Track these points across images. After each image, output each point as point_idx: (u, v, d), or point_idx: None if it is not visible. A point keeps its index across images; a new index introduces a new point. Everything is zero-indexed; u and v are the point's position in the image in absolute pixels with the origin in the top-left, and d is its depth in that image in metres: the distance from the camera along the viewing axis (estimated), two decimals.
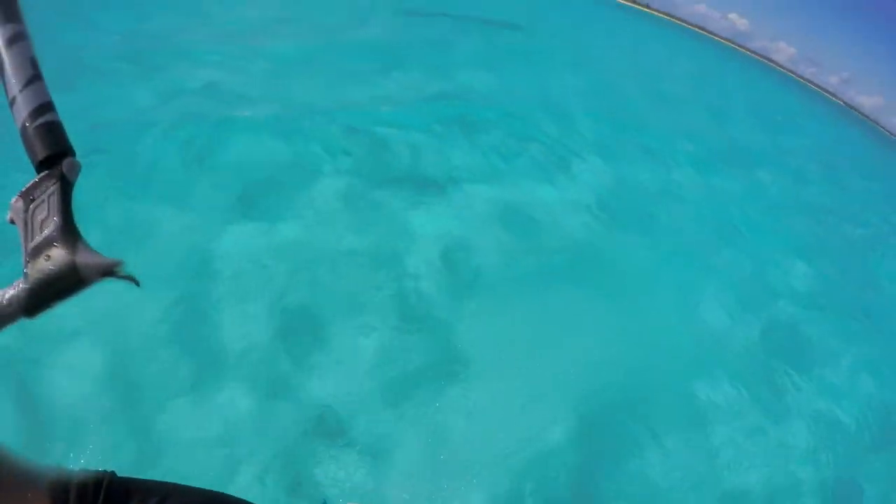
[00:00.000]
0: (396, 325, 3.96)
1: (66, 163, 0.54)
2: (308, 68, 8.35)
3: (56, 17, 7.43)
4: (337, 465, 2.99)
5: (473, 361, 3.79)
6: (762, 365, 4.93)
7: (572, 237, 5.80)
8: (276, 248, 4.32)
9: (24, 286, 0.50)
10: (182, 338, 3.43)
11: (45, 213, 0.52)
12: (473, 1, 20.05)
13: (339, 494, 2.86)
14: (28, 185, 0.54)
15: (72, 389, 2.96)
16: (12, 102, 0.55)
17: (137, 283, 0.51)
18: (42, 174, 0.54)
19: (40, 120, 0.54)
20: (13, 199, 0.54)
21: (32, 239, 0.52)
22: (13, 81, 0.55)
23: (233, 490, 2.30)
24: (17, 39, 0.56)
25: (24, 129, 0.54)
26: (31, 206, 0.53)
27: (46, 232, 0.51)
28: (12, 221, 0.54)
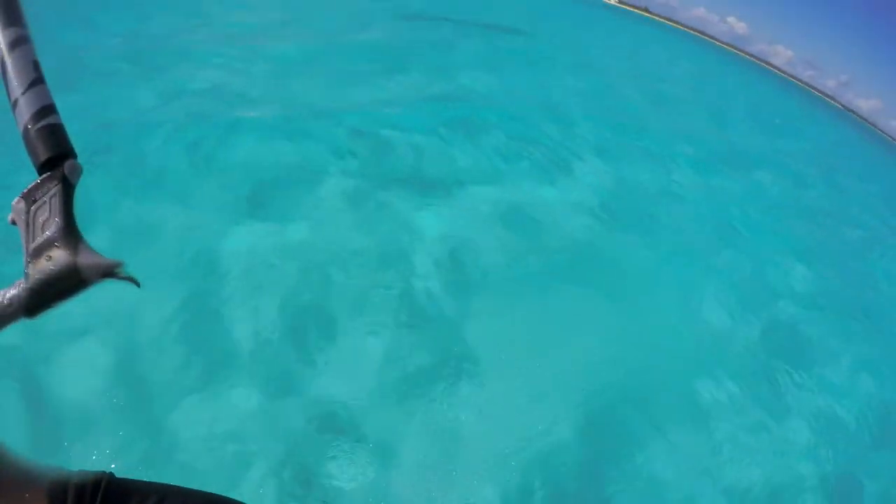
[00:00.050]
0: (403, 324, 4.00)
1: (67, 165, 0.54)
2: (311, 70, 8.42)
3: (56, 18, 7.52)
4: (346, 462, 3.02)
5: (479, 360, 3.83)
6: (763, 364, 4.97)
7: (574, 238, 5.85)
8: (284, 248, 4.36)
9: (26, 286, 0.50)
10: (191, 336, 3.46)
11: (46, 215, 0.52)
12: (474, 5, 20.21)
13: (348, 491, 2.89)
14: (30, 187, 0.54)
15: (82, 387, 2.99)
16: (14, 105, 0.55)
17: (138, 284, 0.52)
18: (44, 176, 0.54)
19: (42, 122, 0.55)
20: (15, 200, 0.54)
21: (34, 240, 0.52)
22: (15, 84, 0.55)
23: (244, 487, 2.37)
24: (20, 43, 0.56)
25: (26, 131, 0.54)
26: (33, 208, 0.53)
27: (48, 233, 0.52)
28: (14, 222, 0.54)
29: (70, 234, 0.52)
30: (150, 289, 3.61)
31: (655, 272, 5.87)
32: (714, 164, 10.57)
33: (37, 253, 0.51)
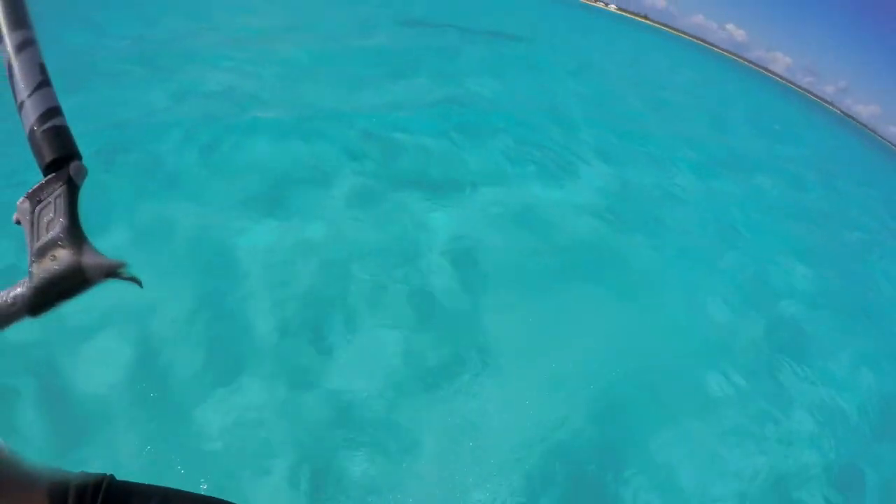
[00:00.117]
0: (419, 320, 4.12)
1: (73, 166, 0.55)
2: (319, 74, 8.60)
3: (63, 22, 7.71)
4: (367, 454, 3.08)
5: (496, 353, 3.96)
6: (767, 358, 5.13)
7: (583, 238, 6.02)
8: (300, 246, 4.48)
9: (30, 285, 0.51)
10: (211, 331, 3.55)
11: (51, 215, 0.53)
12: (476, 13, 20.43)
13: (369, 483, 2.94)
14: (35, 187, 0.54)
15: (103, 382, 3.04)
16: (21, 107, 0.56)
17: (141, 284, 0.52)
18: (49, 176, 0.55)
19: (48, 124, 0.55)
20: (20, 201, 0.55)
21: (38, 239, 0.53)
22: (22, 86, 0.56)
23: (264, 479, 2.50)
24: (26, 45, 0.57)
25: (31, 132, 0.55)
26: (38, 208, 0.54)
27: (52, 233, 0.52)
28: (18, 222, 0.55)
29: (74, 234, 0.53)
30: (170, 286, 3.75)
31: (662, 271, 6.03)
32: (715, 168, 10.77)
33: (41, 253, 0.52)
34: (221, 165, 5.33)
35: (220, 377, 3.27)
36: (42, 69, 0.57)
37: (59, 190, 0.54)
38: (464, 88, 9.77)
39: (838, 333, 6.20)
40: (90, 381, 3.04)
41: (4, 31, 0.57)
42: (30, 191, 0.54)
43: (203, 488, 2.67)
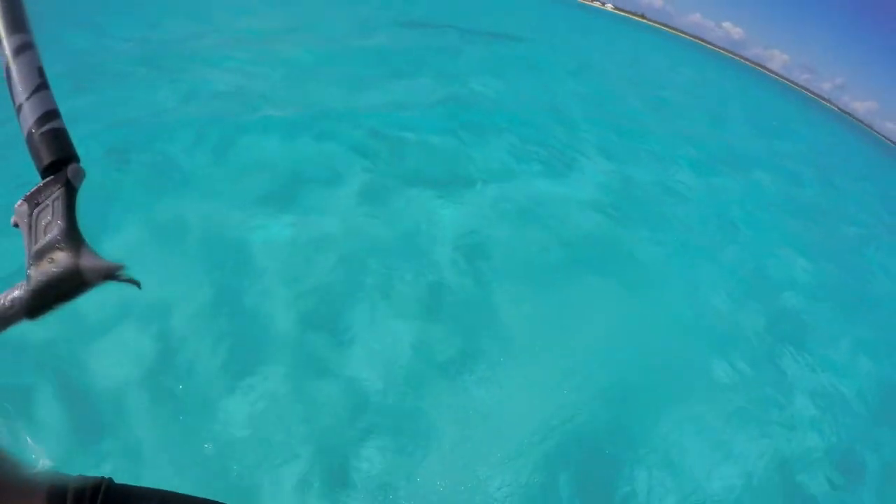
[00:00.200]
0: (431, 312, 4.24)
1: (70, 168, 0.55)
2: (324, 74, 8.72)
3: (66, 25, 7.81)
4: (383, 441, 3.14)
5: (507, 343, 4.09)
6: (769, 346, 5.28)
7: (589, 233, 6.17)
8: (314, 241, 4.58)
9: (28, 288, 0.51)
10: (225, 327, 3.61)
11: (49, 217, 0.53)
12: (475, 14, 20.54)
13: (386, 474, 2.98)
14: (33, 190, 0.54)
15: (120, 377, 3.08)
16: (19, 110, 0.56)
17: (139, 286, 0.52)
18: (47, 179, 0.55)
19: (46, 126, 0.55)
20: (18, 203, 0.55)
21: (36, 242, 0.53)
22: (20, 89, 0.56)
23: (280, 473, 2.61)
24: (25, 49, 0.57)
25: (30, 135, 0.55)
26: (36, 210, 0.54)
27: (50, 235, 0.52)
28: (16, 225, 0.55)
29: (72, 236, 0.52)
30: (186, 282, 3.84)
31: (666, 264, 6.18)
32: (714, 164, 10.91)
33: (39, 255, 0.52)
34: (233, 163, 5.43)
35: (238, 370, 3.33)
36: (40, 72, 0.57)
37: (57, 192, 0.54)
38: (466, 88, 9.90)
39: (837, 323, 6.36)
40: (110, 375, 3.09)
41: (3, 34, 0.57)
42: (28, 193, 0.54)
43: (226, 480, 2.77)
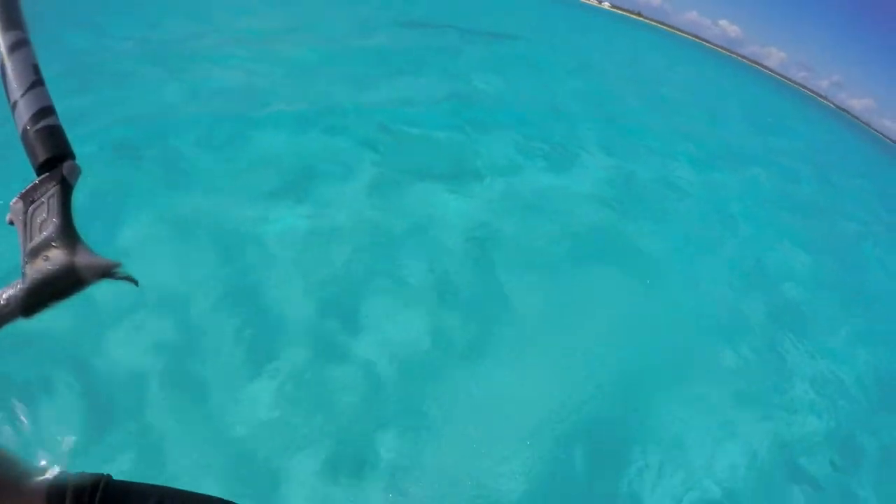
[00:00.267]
0: (442, 302, 4.33)
1: (66, 165, 0.55)
2: (327, 72, 8.78)
3: (65, 25, 7.79)
4: (399, 429, 3.20)
5: (517, 331, 4.20)
6: (771, 336, 5.42)
7: (593, 225, 6.29)
8: (326, 234, 4.67)
9: (23, 286, 0.50)
10: (239, 316, 3.65)
11: (44, 215, 0.53)
12: (475, 14, 20.58)
13: (398, 460, 3.03)
14: (28, 187, 0.54)
15: (134, 367, 3.12)
16: (14, 107, 0.55)
17: (136, 284, 0.52)
18: (42, 176, 0.54)
19: (41, 123, 0.55)
20: (13, 201, 0.54)
21: (31, 240, 0.52)
22: (15, 86, 0.56)
23: (296, 459, 2.69)
24: (19, 46, 0.57)
25: (24, 132, 0.55)
26: (31, 208, 0.53)
27: (45, 233, 0.52)
28: (12, 222, 0.54)
29: (68, 234, 0.52)
30: (200, 274, 3.90)
31: (669, 257, 6.30)
32: (713, 161, 11.04)
33: (34, 253, 0.51)
34: (243, 158, 5.50)
35: (255, 358, 3.39)
36: (35, 69, 0.57)
37: (53, 190, 0.53)
38: (468, 86, 9.99)
39: (836, 315, 6.50)
40: (131, 364, 3.13)
41: None
42: (23, 191, 0.54)
43: (248, 465, 2.83)
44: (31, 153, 0.55)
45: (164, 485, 0.62)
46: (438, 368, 3.73)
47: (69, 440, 2.72)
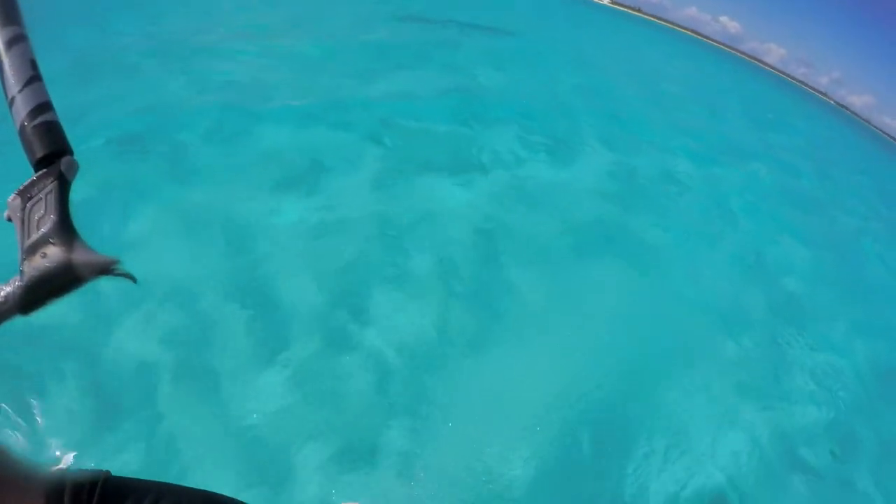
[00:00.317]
0: (450, 292, 4.37)
1: (64, 161, 0.54)
2: (331, 66, 8.84)
3: (67, 21, 7.85)
4: (409, 415, 3.24)
5: (524, 320, 4.27)
6: (771, 326, 5.50)
7: (596, 218, 6.36)
8: (334, 224, 4.72)
9: (20, 283, 0.50)
10: (249, 305, 3.71)
11: (42, 211, 0.52)
12: (474, 8, 20.52)
13: (407, 448, 3.07)
14: (26, 183, 0.53)
15: (145, 356, 3.17)
16: (12, 103, 0.55)
17: (134, 281, 0.51)
18: (40, 172, 0.54)
19: (39, 119, 0.54)
20: (10, 197, 0.53)
21: (29, 236, 0.52)
22: (12, 82, 0.55)
23: (309, 447, 2.73)
24: (17, 41, 0.56)
25: (22, 128, 0.54)
26: (29, 204, 0.53)
27: (43, 230, 0.51)
28: (9, 219, 0.54)
29: (65, 230, 0.52)
30: (207, 265, 3.94)
31: (672, 248, 6.39)
32: (713, 156, 11.07)
33: (32, 250, 0.51)
34: (251, 150, 5.54)
35: (264, 350, 3.43)
36: (33, 65, 0.56)
37: (51, 186, 0.53)
38: (470, 81, 10.04)
39: (836, 308, 6.57)
40: (140, 354, 3.18)
41: None
42: (21, 187, 0.53)
43: (258, 453, 2.87)
44: (28, 149, 0.54)
45: (163, 481, 0.63)
46: (446, 357, 3.78)
47: (82, 430, 2.77)
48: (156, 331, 3.35)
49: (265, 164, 5.34)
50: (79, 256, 0.50)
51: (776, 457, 3.92)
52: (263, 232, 4.42)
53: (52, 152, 0.54)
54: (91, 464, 2.59)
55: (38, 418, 2.74)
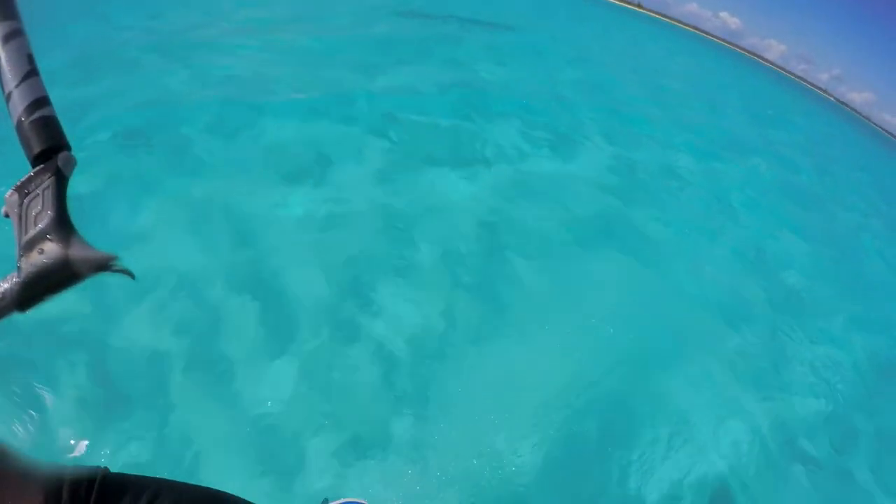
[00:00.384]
0: (454, 284, 4.42)
1: (61, 157, 0.54)
2: (332, 61, 8.85)
3: (68, 15, 7.85)
4: (416, 410, 3.26)
5: (528, 312, 4.31)
6: (771, 320, 5.55)
7: (598, 211, 6.41)
8: (339, 217, 4.74)
9: (18, 280, 0.50)
10: (252, 298, 3.71)
11: (39, 207, 0.52)
12: (475, 3, 20.51)
13: (411, 441, 3.08)
14: (23, 179, 0.53)
15: (149, 350, 3.18)
16: (8, 98, 0.54)
17: (133, 277, 0.51)
18: (37, 168, 0.53)
19: (36, 114, 0.54)
20: (8, 193, 0.53)
21: (26, 232, 0.51)
22: (9, 77, 0.54)
23: (319, 437, 2.79)
24: (14, 36, 0.55)
25: (19, 123, 0.54)
26: (26, 200, 0.52)
27: (40, 225, 0.51)
28: (7, 215, 0.53)
29: (62, 226, 0.51)
30: (214, 258, 3.96)
31: (673, 242, 6.43)
32: (714, 151, 11.13)
33: (29, 246, 0.51)
34: (254, 145, 5.55)
35: (273, 341, 3.45)
36: (30, 59, 0.56)
37: (48, 181, 0.53)
38: (472, 75, 10.05)
39: (835, 302, 6.62)
40: (147, 346, 3.19)
41: None
42: (18, 183, 0.53)
43: (265, 445, 2.88)
44: (25, 145, 0.54)
45: (161, 477, 0.63)
46: (454, 347, 3.82)
47: (94, 420, 2.79)
48: (165, 322, 3.38)
49: (270, 158, 5.37)
50: (76, 252, 0.50)
51: (776, 446, 3.98)
52: (270, 224, 4.45)
53: (49, 148, 0.54)
54: (104, 452, 2.63)
55: (49, 409, 2.75)
